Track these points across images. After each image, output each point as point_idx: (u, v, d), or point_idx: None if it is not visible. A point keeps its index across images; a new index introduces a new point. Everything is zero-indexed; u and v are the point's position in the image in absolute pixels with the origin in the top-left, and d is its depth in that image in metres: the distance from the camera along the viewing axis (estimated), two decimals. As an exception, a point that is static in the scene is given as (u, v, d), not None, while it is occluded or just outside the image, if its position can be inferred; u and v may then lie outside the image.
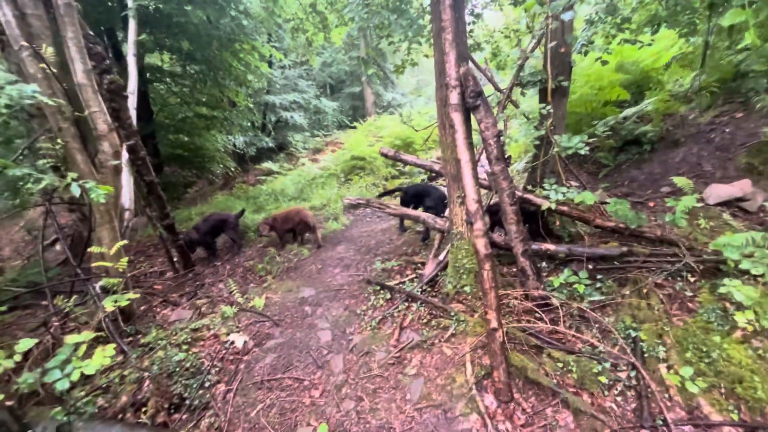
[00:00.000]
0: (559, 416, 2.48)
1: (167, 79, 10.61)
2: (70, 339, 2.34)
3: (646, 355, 2.68)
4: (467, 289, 3.46)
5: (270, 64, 13.69)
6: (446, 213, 4.23)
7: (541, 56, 5.84)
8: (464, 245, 3.53)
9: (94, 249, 3.66)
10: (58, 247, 7.11)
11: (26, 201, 5.87)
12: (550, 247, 3.75)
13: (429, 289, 3.83)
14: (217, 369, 3.49)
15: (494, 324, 2.65)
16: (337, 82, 20.99)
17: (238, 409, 3.07)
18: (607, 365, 2.61)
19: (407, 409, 2.77)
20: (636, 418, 2.38)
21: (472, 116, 3.22)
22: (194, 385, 3.23)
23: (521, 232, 3.25)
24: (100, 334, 2.89)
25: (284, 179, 10.49)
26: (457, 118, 2.97)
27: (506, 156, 3.33)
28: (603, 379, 2.55)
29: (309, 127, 17.02)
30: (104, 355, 2.28)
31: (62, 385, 2.24)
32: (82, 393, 3.05)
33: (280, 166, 13.24)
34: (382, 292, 4.02)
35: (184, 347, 3.69)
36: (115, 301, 2.62)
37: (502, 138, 3.31)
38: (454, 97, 2.98)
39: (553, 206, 3.83)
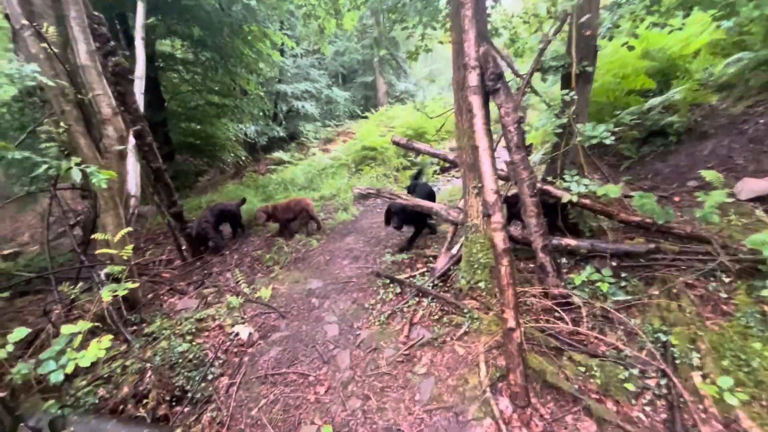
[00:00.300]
0: (580, 425, 2.30)
1: (179, 66, 10.54)
2: (66, 329, 2.25)
3: (677, 362, 2.47)
4: (482, 285, 3.28)
5: (282, 53, 13.53)
6: (460, 204, 4.03)
7: (562, 42, 5.54)
8: (479, 239, 3.34)
9: (98, 236, 3.57)
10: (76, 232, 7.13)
11: (40, 187, 5.87)
12: (571, 242, 3.53)
13: (441, 283, 3.66)
14: (220, 361, 3.39)
15: (511, 323, 2.47)
16: (349, 71, 20.71)
17: (241, 403, 2.97)
18: (635, 371, 2.41)
19: (416, 410, 2.63)
20: (667, 430, 2.19)
21: (490, 101, 3.01)
22: (197, 378, 3.14)
23: (542, 225, 3.04)
24: (96, 325, 2.80)
25: (294, 169, 10.36)
26: (475, 101, 2.76)
27: (527, 144, 3.11)
28: (630, 387, 2.35)
29: (320, 117, 16.86)
30: (99, 347, 2.18)
31: (56, 377, 2.15)
32: (83, 383, 2.98)
33: (291, 155, 13.12)
34: (391, 285, 3.86)
35: (188, 338, 3.60)
36: (114, 291, 2.52)
37: (522, 125, 3.09)
38: (472, 79, 2.77)
39: (574, 199, 3.59)
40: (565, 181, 3.70)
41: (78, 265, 4.44)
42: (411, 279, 3.89)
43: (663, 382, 2.37)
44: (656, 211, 3.44)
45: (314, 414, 2.76)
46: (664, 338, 2.60)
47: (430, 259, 4.18)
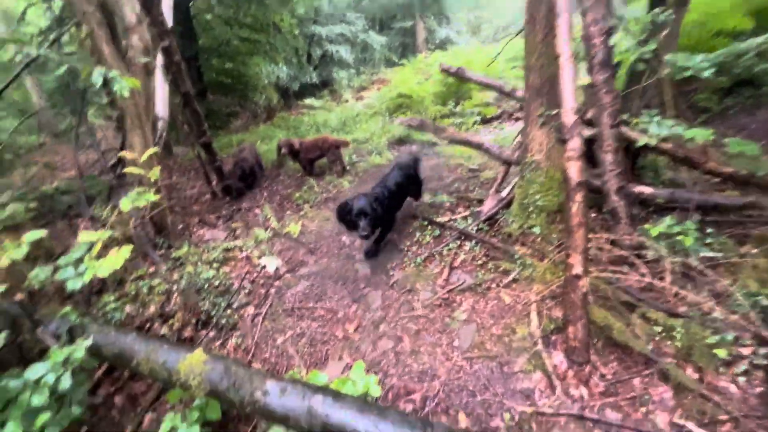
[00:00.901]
0: (652, 390, 1.96)
1: (211, -1, 9.99)
2: (84, 236, 2.07)
3: (782, 330, 2.04)
4: (536, 230, 2.88)
5: (317, -12, 12.61)
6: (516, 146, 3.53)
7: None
8: (539, 177, 2.89)
9: (125, 154, 3.39)
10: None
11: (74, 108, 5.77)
12: (646, 190, 3.01)
13: (486, 228, 3.28)
14: (246, 291, 3.26)
15: (578, 270, 2.09)
16: (387, 16, 19.30)
17: (267, 333, 2.83)
18: (729, 337, 2.00)
19: (455, 357, 2.37)
20: (764, 405, 1.81)
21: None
22: (222, 304, 3.01)
23: (619, 164, 2.56)
24: (116, 235, 2.63)
25: (326, 114, 9.93)
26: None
27: (613, 63, 2.55)
28: (721, 353, 1.96)
29: (355, 64, 15.99)
30: (119, 257, 1.99)
31: (74, 285, 2.00)
32: (111, 298, 2.92)
33: (324, 102, 12.60)
34: (429, 228, 3.53)
35: (215, 265, 3.48)
36: (134, 201, 2.32)
37: (611, 37, 2.52)
38: (559, -31, 2.19)
39: (653, 142, 3.02)
40: (643, 122, 3.12)
41: (110, 186, 4.35)
42: (451, 222, 3.53)
43: (763, 351, 1.96)
44: (759, 160, 2.86)
45: (342, 350, 2.57)
46: (765, 302, 2.15)
47: (474, 203, 3.77)
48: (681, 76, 3.13)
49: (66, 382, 1.83)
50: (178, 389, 2.01)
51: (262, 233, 4.11)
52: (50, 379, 1.82)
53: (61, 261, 2.01)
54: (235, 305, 3.08)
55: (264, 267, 3.54)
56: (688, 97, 5.96)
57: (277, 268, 3.53)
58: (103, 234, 2.11)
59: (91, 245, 2.09)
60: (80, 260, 2.06)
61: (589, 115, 3.04)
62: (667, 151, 3.20)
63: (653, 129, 2.99)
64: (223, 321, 2.91)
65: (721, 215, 2.90)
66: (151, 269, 3.42)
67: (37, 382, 1.82)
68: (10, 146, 5.94)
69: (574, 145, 2.10)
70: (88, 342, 1.79)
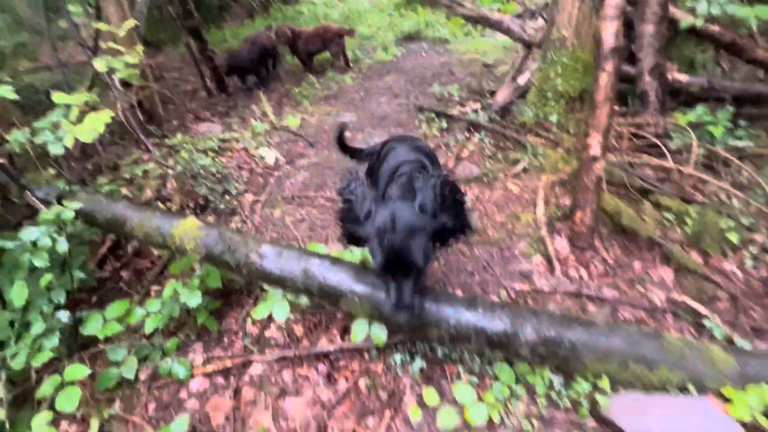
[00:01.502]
0: (653, 271, 1.94)
1: None
2: (58, 98, 1.89)
3: (801, 218, 1.95)
4: (553, 118, 2.65)
5: None
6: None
7: None
8: (563, 57, 2.57)
9: (100, 25, 3.04)
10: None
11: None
12: (681, 77, 2.71)
13: (499, 118, 3.05)
14: (244, 180, 3.17)
15: (596, 151, 1.93)
16: None
17: (267, 219, 2.80)
18: (744, 221, 1.92)
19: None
20: (765, 287, 1.80)
21: None
22: (219, 190, 2.95)
23: (660, 37, 2.23)
24: (94, 98, 2.42)
25: (328, 8, 8.89)
26: None
27: None
28: (732, 237, 1.90)
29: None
30: (99, 120, 1.84)
31: (56, 149, 1.88)
32: (105, 180, 2.85)
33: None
34: (437, 120, 3.30)
35: (211, 154, 3.34)
36: (110, 65, 2.09)
37: None
38: None
39: (700, 23, 2.62)
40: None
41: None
42: (461, 116, 3.29)
43: (777, 237, 1.90)
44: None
45: (343, 235, 2.56)
46: (789, 191, 2.03)
47: (487, 95, 3.48)
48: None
49: (63, 245, 1.82)
50: (179, 262, 2.03)
51: (259, 126, 3.91)
52: (46, 241, 1.81)
53: (37, 124, 1.87)
54: (233, 192, 3.01)
55: (263, 158, 3.41)
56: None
57: (276, 159, 3.41)
58: (80, 97, 1.93)
59: (69, 109, 1.93)
60: (57, 124, 1.91)
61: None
62: (713, 34, 2.81)
63: (702, 7, 2.58)
64: (222, 206, 2.86)
65: (757, 107, 2.64)
66: (146, 156, 3.30)
67: (35, 244, 1.81)
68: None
69: (615, 1, 1.78)
70: (77, 204, 1.74)
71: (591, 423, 1.49)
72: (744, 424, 1.30)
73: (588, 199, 2.01)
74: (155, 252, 2.58)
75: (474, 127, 2.99)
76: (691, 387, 1.38)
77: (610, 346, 1.46)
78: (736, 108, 2.66)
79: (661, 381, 1.41)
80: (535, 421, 1.51)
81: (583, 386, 1.51)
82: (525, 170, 2.58)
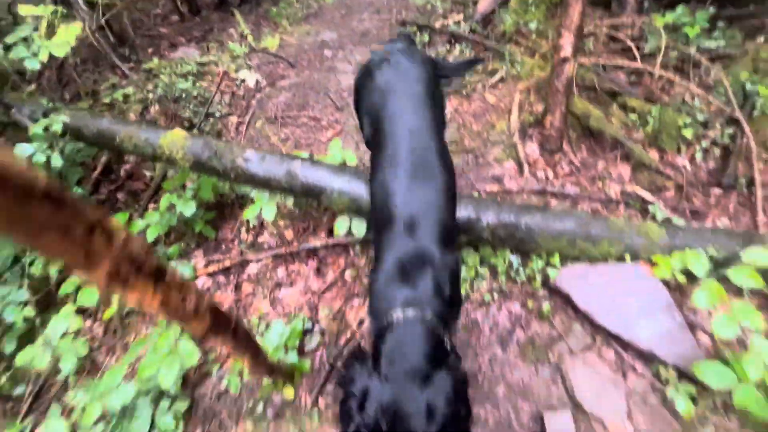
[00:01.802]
0: (613, 169, 2.10)
1: None
2: (24, 9, 1.86)
3: (755, 113, 2.06)
4: (532, 25, 2.62)
5: None
6: None
7: None
8: (546, -44, 2.48)
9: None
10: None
11: None
12: (666, -24, 2.64)
13: (480, 29, 2.99)
14: (227, 103, 3.17)
15: (567, 52, 1.97)
16: None
17: (252, 139, 2.87)
18: (700, 118, 2.04)
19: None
20: (710, 177, 1.97)
21: None
22: (203, 113, 2.97)
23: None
24: (62, 10, 2.34)
25: None
26: None
27: None
28: (688, 134, 2.03)
29: None
30: (69, 33, 1.83)
31: (32, 65, 1.89)
32: (85, 106, 2.85)
33: None
34: (419, 34, 3.22)
35: (190, 78, 3.29)
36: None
37: None
38: None
39: None
40: None
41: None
42: (443, 28, 3.21)
43: (729, 131, 2.03)
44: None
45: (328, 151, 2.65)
46: (749, 87, 2.11)
47: (471, 5, 3.35)
48: None
49: (57, 161, 1.92)
50: (173, 179, 2.14)
51: (238, 48, 3.78)
52: (41, 158, 1.90)
53: (8, 38, 1.85)
54: (217, 115, 3.03)
55: (243, 80, 3.36)
56: None
57: (257, 81, 3.37)
58: (47, 9, 1.89)
59: (38, 23, 1.90)
60: (28, 40, 1.90)
61: None
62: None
63: None
64: (207, 128, 2.91)
65: (737, 8, 2.61)
66: (123, 82, 3.25)
67: (29, 160, 1.90)
68: None
69: None
70: (65, 117, 1.80)
71: (542, 293, 1.74)
72: (666, 283, 1.55)
73: (557, 101, 2.10)
74: (147, 174, 2.69)
75: (455, 38, 2.95)
76: (627, 256, 1.60)
77: (563, 227, 1.65)
78: (717, 9, 2.63)
79: (603, 254, 1.63)
80: (495, 294, 1.76)
81: (537, 264, 1.74)
82: (503, 80, 2.61)
